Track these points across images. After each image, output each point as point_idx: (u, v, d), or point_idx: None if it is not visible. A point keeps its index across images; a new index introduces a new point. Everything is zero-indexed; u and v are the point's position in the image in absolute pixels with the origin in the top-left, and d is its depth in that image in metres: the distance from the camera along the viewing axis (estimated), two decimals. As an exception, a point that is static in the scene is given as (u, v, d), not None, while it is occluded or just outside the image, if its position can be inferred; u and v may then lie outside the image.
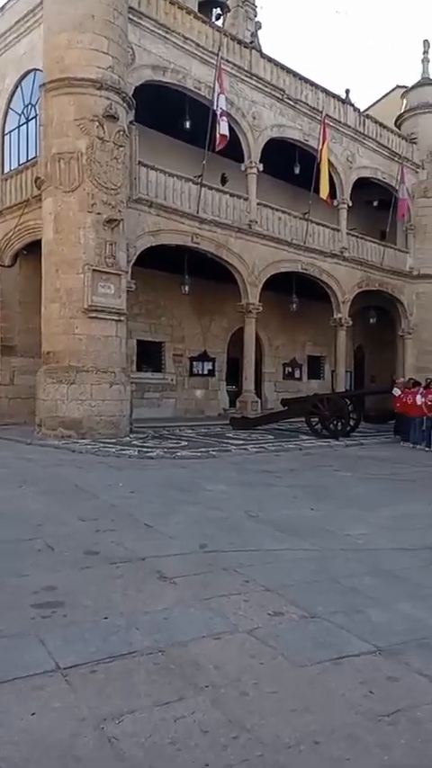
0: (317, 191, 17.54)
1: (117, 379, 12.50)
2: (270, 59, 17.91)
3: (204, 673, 2.68)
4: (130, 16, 13.70)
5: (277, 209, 18.32)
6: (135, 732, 2.23)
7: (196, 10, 16.46)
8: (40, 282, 12.84)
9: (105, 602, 3.53)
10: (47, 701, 2.43)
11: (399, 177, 20.95)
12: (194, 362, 19.76)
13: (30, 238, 14.37)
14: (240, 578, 4.01)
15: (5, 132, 15.76)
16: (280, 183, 19.86)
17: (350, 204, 20.48)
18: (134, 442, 11.74)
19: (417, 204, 23.15)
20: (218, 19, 20.07)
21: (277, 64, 18.13)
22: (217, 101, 14.71)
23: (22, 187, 14.77)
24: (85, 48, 12.29)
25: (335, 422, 14.45)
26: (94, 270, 12.24)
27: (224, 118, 14.77)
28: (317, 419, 14.65)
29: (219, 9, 20.34)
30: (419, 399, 13.28)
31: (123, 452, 10.45)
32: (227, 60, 16.09)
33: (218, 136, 14.65)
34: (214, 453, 10.97)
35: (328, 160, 18.09)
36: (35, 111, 14.11)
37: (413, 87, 23.93)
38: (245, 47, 17.26)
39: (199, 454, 10.77)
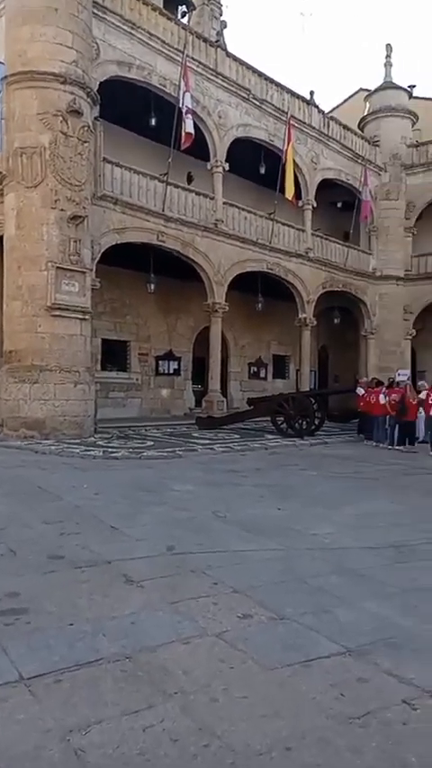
0: (282, 191, 17.64)
1: (81, 379, 12.31)
2: (236, 58, 17.94)
3: (173, 679, 2.63)
4: (95, 11, 13.51)
5: (243, 209, 18.36)
6: (102, 743, 2.17)
7: (161, 6, 16.34)
8: (2, 280, 12.56)
9: (70, 608, 3.44)
10: (10, 713, 2.35)
11: (362, 179, 21.25)
12: (160, 362, 19.64)
13: (-10, 234, 14.03)
14: (209, 580, 3.97)
15: (-35, 125, 15.33)
16: (245, 182, 19.92)
17: (315, 205, 20.68)
18: (99, 443, 11.59)
19: (379, 206, 23.54)
20: (183, 16, 20.02)
21: (243, 63, 18.17)
22: (182, 98, 14.64)
23: (-18, 182, 14.39)
24: (49, 41, 12.05)
25: (300, 421, 14.57)
26: (57, 267, 12.03)
27: (189, 116, 14.71)
28: (282, 418, 14.75)
29: (184, 6, 20.31)
30: (382, 399, 13.49)
31: (88, 453, 10.30)
32: (192, 58, 16.04)
33: (183, 134, 14.58)
34: (180, 453, 10.91)
35: (293, 161, 18.22)
36: (-4, 104, 13.78)
37: (376, 91, 24.32)
38: (210, 45, 17.24)
39: (165, 454, 10.69)
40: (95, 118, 13.41)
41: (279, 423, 14.77)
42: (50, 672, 2.66)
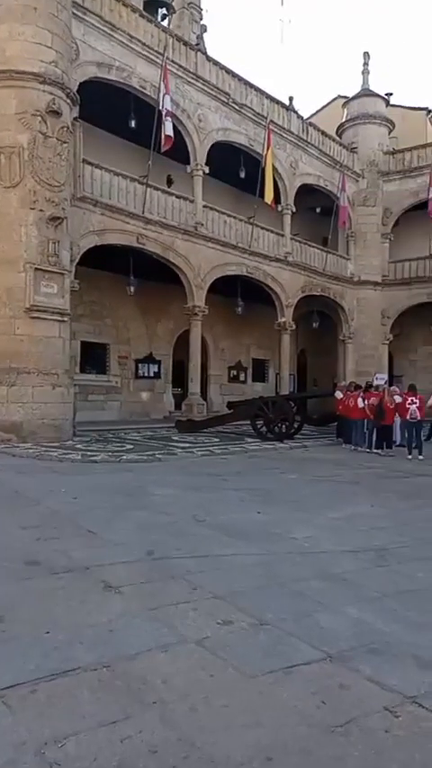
0: (262, 195, 17.69)
1: (60, 382, 12.17)
2: (216, 63, 17.98)
3: (152, 688, 2.57)
4: (74, 11, 13.42)
5: (223, 213, 18.38)
6: (79, 755, 2.10)
7: (141, 9, 16.30)
8: (-21, 281, 12.34)
9: (47, 616, 3.36)
10: (-17, 727, 2.27)
11: (340, 185, 21.41)
12: (140, 364, 19.53)
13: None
14: (188, 586, 3.92)
15: None
16: (225, 186, 19.96)
17: (294, 210, 20.79)
18: (78, 446, 11.45)
19: (357, 212, 23.75)
20: (163, 19, 20.00)
21: (223, 67, 18.21)
22: (162, 101, 14.60)
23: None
24: (28, 40, 11.93)
25: (279, 424, 14.58)
26: (36, 268, 11.88)
27: (169, 118, 14.67)
28: (262, 422, 14.75)
29: (164, 9, 20.29)
30: (361, 402, 13.55)
31: (66, 456, 10.17)
32: (173, 61, 16.03)
33: (163, 136, 14.53)
34: (160, 457, 10.83)
35: (273, 166, 18.29)
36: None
37: (354, 98, 24.57)
38: (191, 48, 17.24)
39: (144, 458, 10.60)
40: (75, 119, 13.30)
41: (259, 426, 14.76)
42: (25, 682, 2.58)
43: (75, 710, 2.38)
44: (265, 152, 17.90)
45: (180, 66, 16.61)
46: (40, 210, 11.94)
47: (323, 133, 22.64)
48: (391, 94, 25.70)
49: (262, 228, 19.62)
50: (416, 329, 24.33)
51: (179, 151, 16.48)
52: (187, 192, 17.27)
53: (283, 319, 20.56)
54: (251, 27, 68.00)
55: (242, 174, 18.69)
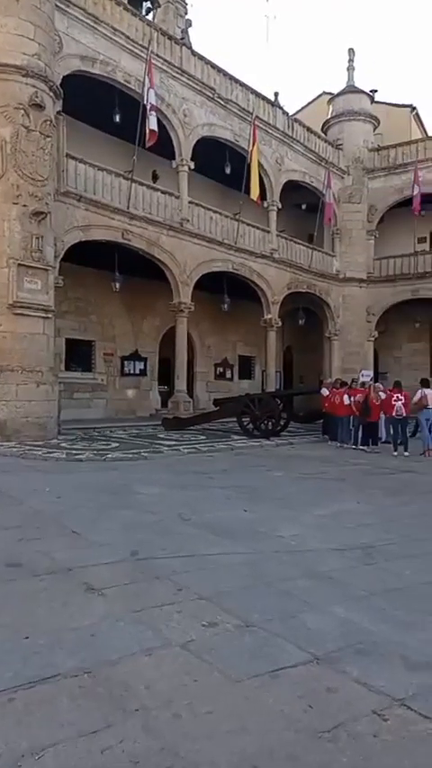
0: (247, 191, 17.61)
1: (44, 379, 12.02)
2: (201, 57, 17.84)
3: (134, 694, 2.49)
4: (58, 3, 13.24)
5: (209, 209, 18.27)
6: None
7: (125, 2, 16.12)
8: (-40, 277, 12.15)
9: (27, 619, 3.27)
10: (-42, 738, 2.18)
11: (325, 182, 21.39)
12: (126, 362, 19.40)
13: None
14: (173, 586, 3.85)
15: None
16: (211, 182, 19.86)
17: (280, 206, 20.74)
18: (62, 445, 11.32)
19: (342, 209, 23.77)
20: (148, 13, 19.82)
21: (208, 62, 18.08)
22: (147, 95, 14.45)
23: None
24: (10, 32, 11.74)
25: (266, 422, 14.54)
26: (19, 264, 11.72)
27: (153, 112, 14.53)
28: (248, 419, 14.69)
29: (149, 3, 20.13)
30: (347, 399, 13.55)
31: (51, 455, 10.04)
32: (157, 55, 15.87)
33: (148, 131, 14.38)
34: (146, 455, 10.74)
35: (258, 162, 18.22)
36: None
37: (339, 94, 24.57)
38: (176, 43, 17.10)
39: (130, 456, 10.50)
40: (58, 112, 13.13)
41: (245, 423, 14.71)
42: (4, 690, 2.50)
43: (54, 719, 2.29)
44: (250, 148, 17.82)
45: (165, 60, 16.47)
46: (24, 205, 11.77)
47: (309, 129, 22.60)
48: (375, 91, 25.78)
49: (248, 225, 19.55)
50: (400, 326, 24.43)
51: (164, 146, 16.35)
52: (173, 188, 17.15)
53: (270, 316, 20.52)
54: (236, 23, 67.85)
55: (228, 170, 18.59)
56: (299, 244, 22.21)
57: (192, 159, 17.19)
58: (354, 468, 10.56)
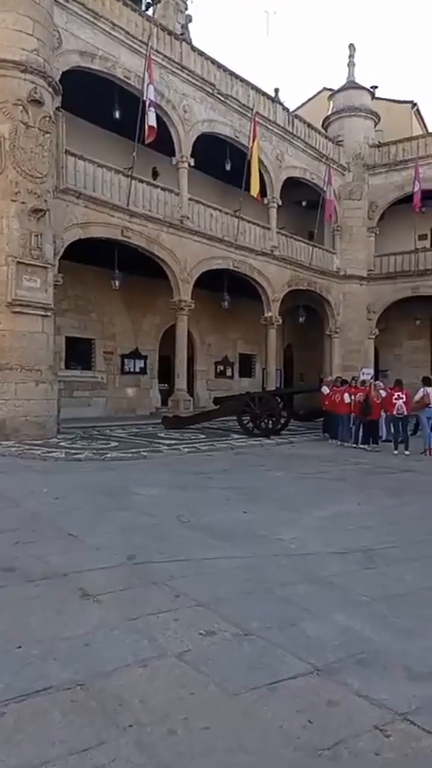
0: (247, 188, 17.49)
1: (44, 378, 11.94)
2: (201, 53, 17.72)
3: (128, 709, 2.42)
4: (56, -2, 13.11)
5: (209, 206, 18.16)
6: (47, 788, 1.95)
7: (125, -3, 15.98)
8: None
9: (20, 628, 3.19)
10: None
11: (326, 178, 21.27)
12: (126, 360, 19.32)
13: None
14: (171, 592, 3.77)
15: None
16: (211, 179, 19.75)
17: (280, 203, 20.63)
18: (62, 444, 11.25)
19: (343, 206, 23.65)
20: (147, 9, 19.69)
21: (208, 58, 17.95)
22: (146, 91, 14.33)
23: None
24: (8, 27, 11.63)
25: (266, 420, 14.46)
26: (18, 262, 11.63)
27: (152, 108, 14.41)
28: (248, 418, 14.62)
29: (149, -1, 19.95)
30: (347, 398, 13.47)
31: (50, 455, 9.96)
32: (157, 51, 15.75)
33: (147, 127, 14.27)
34: (145, 454, 10.66)
35: (259, 158, 18.09)
36: None
37: (339, 90, 24.41)
38: (176, 38, 16.97)
39: (129, 455, 10.43)
40: (57, 108, 13.02)
41: (245, 422, 14.63)
42: (-6, 704, 2.42)
43: (45, 736, 2.22)
44: (250, 144, 17.70)
45: (165, 56, 16.34)
46: (23, 202, 11.68)
47: (309, 126, 22.47)
48: (376, 87, 25.60)
49: (248, 222, 19.44)
50: (401, 324, 24.33)
51: (164, 143, 16.24)
52: (173, 185, 17.03)
53: (270, 314, 20.42)
54: (236, 18, 67.57)
55: (228, 167, 18.47)
56: (299, 241, 22.10)
57: (192, 156, 17.07)
58: (354, 467, 10.48)
